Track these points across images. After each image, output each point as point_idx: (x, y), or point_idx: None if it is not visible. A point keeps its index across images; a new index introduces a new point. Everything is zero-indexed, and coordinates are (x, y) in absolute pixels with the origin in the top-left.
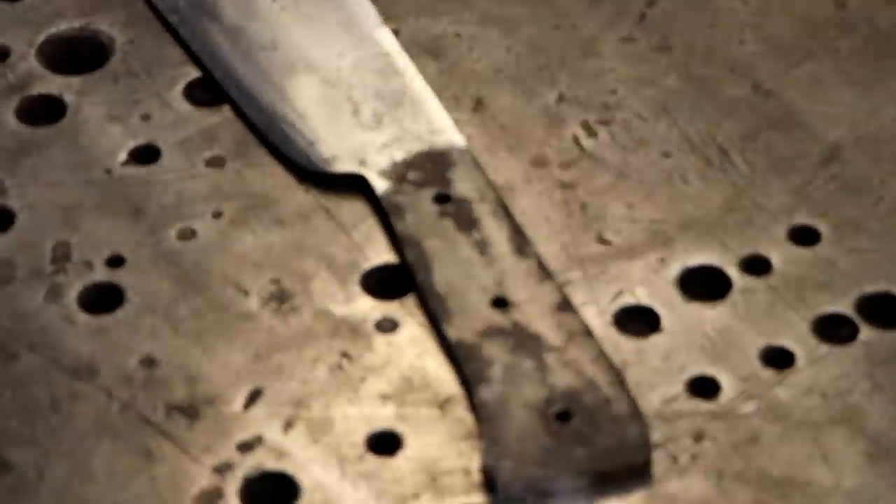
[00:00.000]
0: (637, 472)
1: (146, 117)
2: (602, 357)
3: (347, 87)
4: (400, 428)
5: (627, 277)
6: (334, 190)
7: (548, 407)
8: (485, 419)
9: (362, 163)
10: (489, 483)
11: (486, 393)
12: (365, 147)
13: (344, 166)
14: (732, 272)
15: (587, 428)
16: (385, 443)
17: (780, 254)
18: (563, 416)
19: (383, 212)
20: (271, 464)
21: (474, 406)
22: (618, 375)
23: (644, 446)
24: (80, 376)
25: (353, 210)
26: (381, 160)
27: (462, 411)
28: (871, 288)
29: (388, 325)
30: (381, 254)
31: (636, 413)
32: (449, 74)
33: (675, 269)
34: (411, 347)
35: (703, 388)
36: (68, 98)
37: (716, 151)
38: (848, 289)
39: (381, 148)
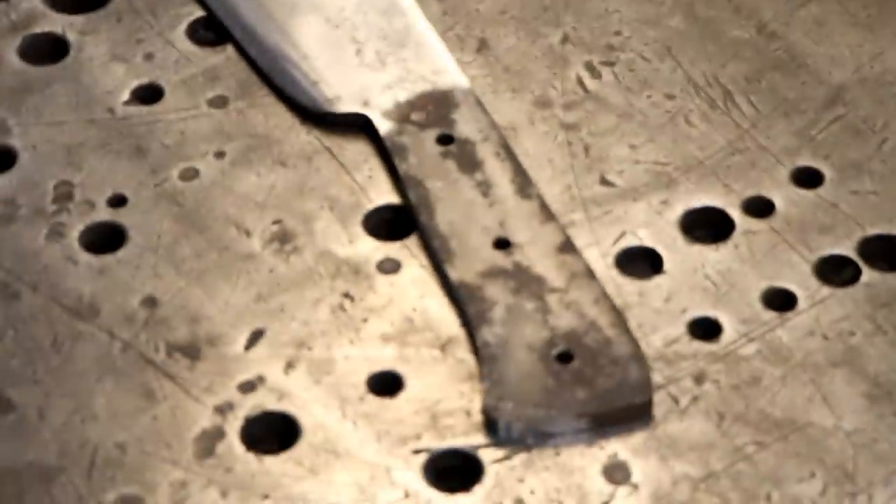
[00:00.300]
0: (638, 414)
1: (149, 57)
2: (604, 298)
3: (351, 27)
4: (401, 369)
5: (630, 219)
6: (337, 130)
7: (549, 348)
8: (486, 360)
9: (365, 103)
10: (490, 424)
11: (488, 334)
12: (368, 87)
13: (347, 106)
14: (735, 214)
15: (588, 369)
16: (386, 384)
17: (783, 196)
18: (565, 358)
19: (386, 153)
20: (272, 404)
21: (475, 347)
22: (619, 317)
23: (645, 387)
24: (81, 316)
25: (356, 151)
26: (384, 101)
27: (463, 352)
28: (874, 230)
29: (390, 266)
30: (384, 195)
31: (637, 354)
32: (453, 15)
33: (677, 210)
34: (413, 288)
35: (705, 329)
36: (71, 37)
37: (720, 93)
38: (850, 231)
39: (384, 88)
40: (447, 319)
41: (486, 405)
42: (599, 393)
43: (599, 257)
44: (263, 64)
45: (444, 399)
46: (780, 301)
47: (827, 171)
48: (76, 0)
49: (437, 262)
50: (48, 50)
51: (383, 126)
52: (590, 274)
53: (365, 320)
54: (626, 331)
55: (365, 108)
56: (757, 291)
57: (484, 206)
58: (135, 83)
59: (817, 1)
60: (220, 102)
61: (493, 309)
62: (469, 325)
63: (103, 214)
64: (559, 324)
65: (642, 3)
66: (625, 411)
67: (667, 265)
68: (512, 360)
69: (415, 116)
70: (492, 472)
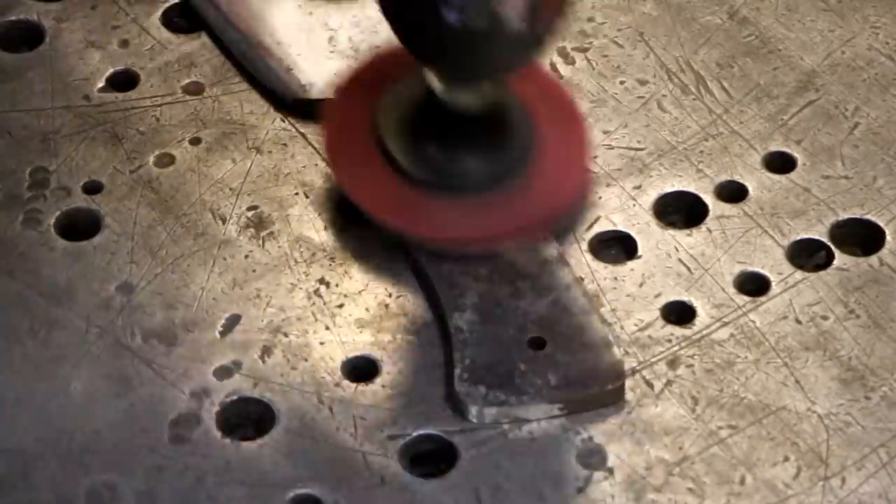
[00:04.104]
0: (611, 399)
1: (124, 43)
2: (576, 284)
3: (325, 15)
4: (377, 354)
5: (604, 204)
6: (311, 117)
7: (521, 334)
8: (458, 346)
9: None
10: (462, 409)
11: (460, 320)
12: (341, 74)
13: (320, 93)
14: (708, 199)
15: (560, 355)
16: (362, 369)
17: (755, 180)
18: (537, 343)
19: None
20: (249, 390)
21: (449, 333)
22: (591, 302)
23: (617, 373)
24: (57, 302)
25: None
26: None
27: (438, 338)
28: (846, 214)
29: (365, 253)
30: None
31: (609, 340)
32: None
33: (651, 195)
34: (388, 274)
35: (679, 314)
36: (46, 24)
37: (692, 78)
38: (823, 215)
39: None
40: (423, 305)
41: (457, 391)
42: (572, 378)
43: (574, 242)
44: (237, 51)
45: (420, 384)
46: (754, 285)
47: (799, 156)
48: None
49: (410, 248)
50: (24, 37)
51: None
52: (562, 260)
53: (341, 306)
54: (598, 316)
55: None
56: (730, 276)
57: None
58: (110, 70)
59: None
60: (195, 89)
61: (465, 295)
62: (442, 310)
63: (79, 201)
64: (531, 310)
65: None
66: (597, 397)
67: (641, 250)
68: (484, 346)
69: None
70: (467, 458)
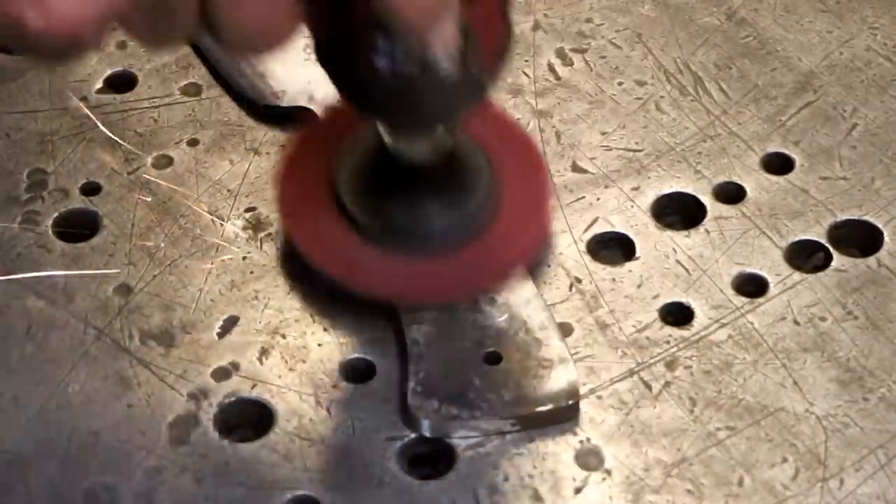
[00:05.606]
0: (564, 416)
1: (122, 45)
2: (536, 300)
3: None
4: (374, 356)
5: (602, 205)
6: (284, 125)
7: (478, 348)
8: (413, 358)
9: (311, 98)
10: (414, 422)
11: (417, 332)
12: (314, 82)
13: (292, 101)
14: (706, 200)
15: (515, 371)
16: (360, 370)
17: (753, 181)
18: (493, 358)
19: None
20: (246, 391)
21: (405, 345)
22: (551, 319)
23: (572, 391)
24: (55, 304)
25: None
26: (330, 95)
27: None
28: (844, 216)
29: None
30: None
31: (566, 357)
32: None
33: (649, 196)
34: None
35: (677, 315)
36: None
37: (690, 80)
38: (821, 216)
39: (329, 83)
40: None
41: (410, 404)
42: (525, 395)
43: (572, 243)
44: (212, 56)
45: None
46: (752, 286)
47: (797, 157)
48: None
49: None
50: None
51: None
52: (524, 275)
53: (338, 307)
54: (556, 333)
55: (310, 103)
56: (728, 277)
57: None
58: (108, 71)
59: None
60: (193, 90)
61: (424, 307)
62: (399, 321)
63: (77, 202)
64: (490, 324)
65: None
66: (551, 414)
67: (639, 251)
68: (440, 359)
69: None
70: (465, 459)
